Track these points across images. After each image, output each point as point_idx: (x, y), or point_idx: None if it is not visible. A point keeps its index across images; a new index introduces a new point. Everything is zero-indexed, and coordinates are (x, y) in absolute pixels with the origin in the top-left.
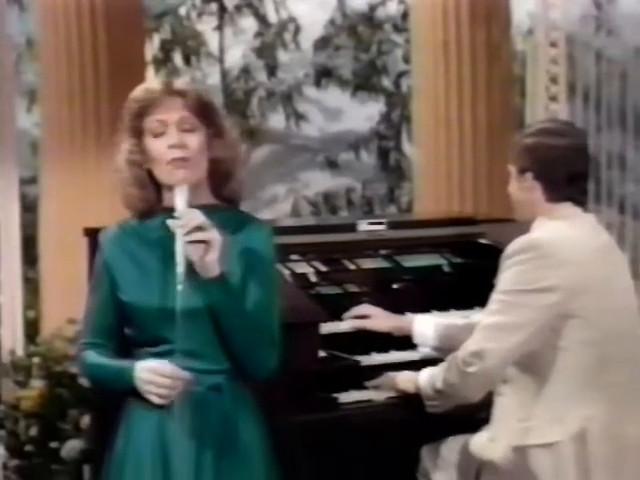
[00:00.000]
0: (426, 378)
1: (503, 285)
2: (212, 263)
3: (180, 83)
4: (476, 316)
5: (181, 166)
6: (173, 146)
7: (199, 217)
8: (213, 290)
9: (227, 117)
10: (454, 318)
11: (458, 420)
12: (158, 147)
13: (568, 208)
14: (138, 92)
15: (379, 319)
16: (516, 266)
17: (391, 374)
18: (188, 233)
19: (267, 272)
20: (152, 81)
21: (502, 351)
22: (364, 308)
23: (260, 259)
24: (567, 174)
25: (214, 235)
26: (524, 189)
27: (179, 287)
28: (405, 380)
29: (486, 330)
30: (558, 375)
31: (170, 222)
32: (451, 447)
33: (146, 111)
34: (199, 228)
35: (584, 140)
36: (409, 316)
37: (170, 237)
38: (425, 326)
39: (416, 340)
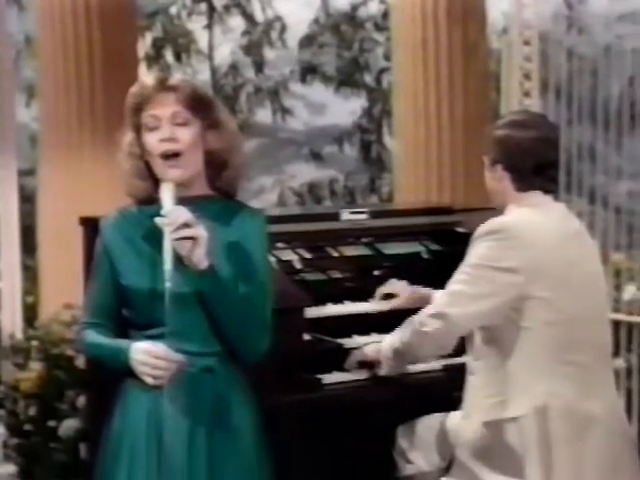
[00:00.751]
0: (387, 341)
1: (470, 259)
2: (199, 258)
3: (175, 79)
4: None
5: (174, 165)
6: (164, 140)
7: (185, 214)
8: (202, 281)
9: (224, 109)
10: None
11: (437, 399)
12: (151, 141)
13: (537, 196)
14: (134, 88)
15: (405, 297)
16: (484, 244)
17: (361, 348)
18: (175, 230)
19: (260, 260)
20: (148, 77)
21: (460, 317)
22: (391, 287)
23: (253, 248)
24: (534, 165)
25: (200, 231)
26: (495, 179)
27: (167, 284)
28: (372, 350)
29: (448, 296)
30: (522, 353)
31: (157, 220)
32: (427, 426)
33: (142, 107)
34: (185, 225)
35: (552, 131)
36: (427, 290)
37: None
38: None
39: None
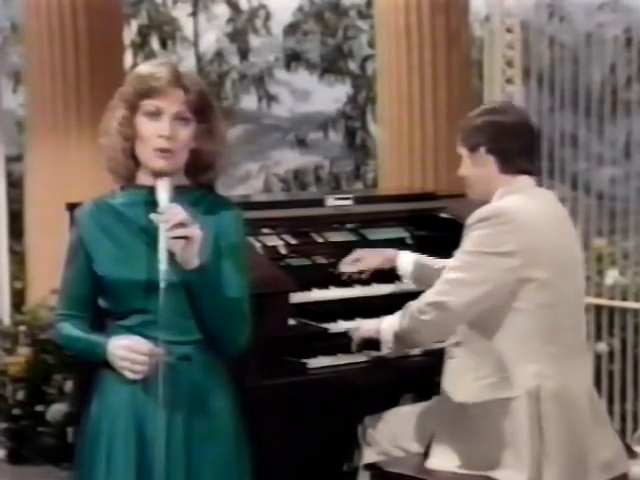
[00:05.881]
0: (387, 323)
1: (467, 246)
2: (192, 256)
3: (186, 74)
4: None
5: (165, 157)
6: (163, 136)
7: (181, 213)
8: (191, 279)
9: (219, 114)
10: (432, 259)
11: (419, 384)
12: (149, 132)
13: (524, 180)
14: (145, 73)
15: (369, 258)
16: (480, 230)
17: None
18: (171, 229)
19: (238, 253)
20: (161, 65)
21: (457, 305)
22: (355, 254)
23: (231, 240)
24: (520, 147)
25: (195, 231)
26: (478, 165)
27: (162, 284)
28: (369, 329)
29: (445, 284)
30: (513, 335)
31: (153, 217)
32: (398, 414)
33: (147, 94)
34: (181, 224)
35: (527, 117)
36: (393, 251)
37: (144, 215)
38: (406, 262)
39: (399, 272)
